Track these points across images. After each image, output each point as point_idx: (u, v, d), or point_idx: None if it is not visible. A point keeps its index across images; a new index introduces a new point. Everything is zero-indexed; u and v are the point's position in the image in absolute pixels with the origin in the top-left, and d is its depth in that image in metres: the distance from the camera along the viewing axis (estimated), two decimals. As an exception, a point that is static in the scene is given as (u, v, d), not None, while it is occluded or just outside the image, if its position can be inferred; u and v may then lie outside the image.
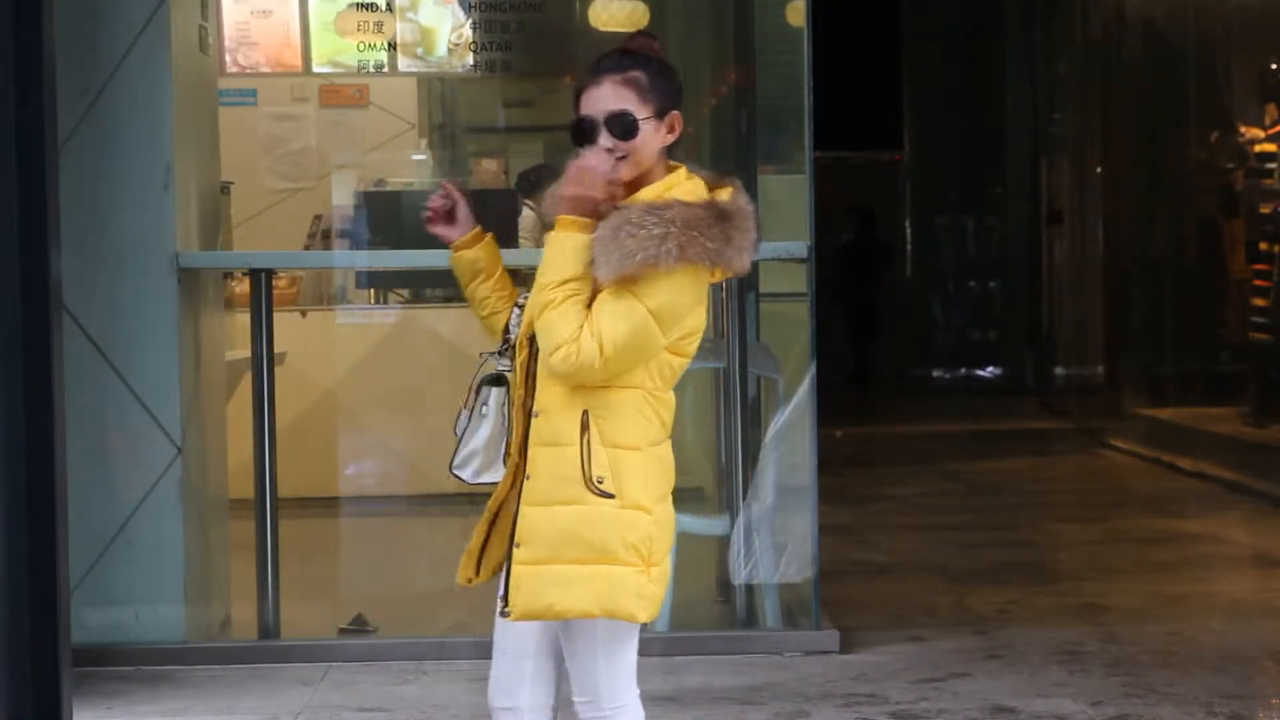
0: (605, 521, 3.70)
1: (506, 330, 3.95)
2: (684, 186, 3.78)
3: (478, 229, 4.02)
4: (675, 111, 3.80)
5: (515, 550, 3.73)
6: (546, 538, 3.70)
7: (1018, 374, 17.94)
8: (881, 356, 18.79)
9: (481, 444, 3.89)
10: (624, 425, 3.72)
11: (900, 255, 19.13)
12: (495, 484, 3.90)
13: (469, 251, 4.02)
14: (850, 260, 18.71)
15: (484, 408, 3.90)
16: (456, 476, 3.90)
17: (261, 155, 10.34)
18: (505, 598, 3.75)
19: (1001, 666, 6.71)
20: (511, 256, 4.64)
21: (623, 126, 3.75)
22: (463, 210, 4.02)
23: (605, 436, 3.71)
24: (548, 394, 3.72)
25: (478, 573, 3.92)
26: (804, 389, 7.00)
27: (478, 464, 3.90)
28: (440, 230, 4.02)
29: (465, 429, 3.91)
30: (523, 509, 3.73)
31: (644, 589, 3.73)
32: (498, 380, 3.91)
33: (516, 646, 3.96)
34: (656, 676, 6.44)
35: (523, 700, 3.96)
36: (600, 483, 3.69)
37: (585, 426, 3.70)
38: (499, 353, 3.94)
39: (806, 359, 7.03)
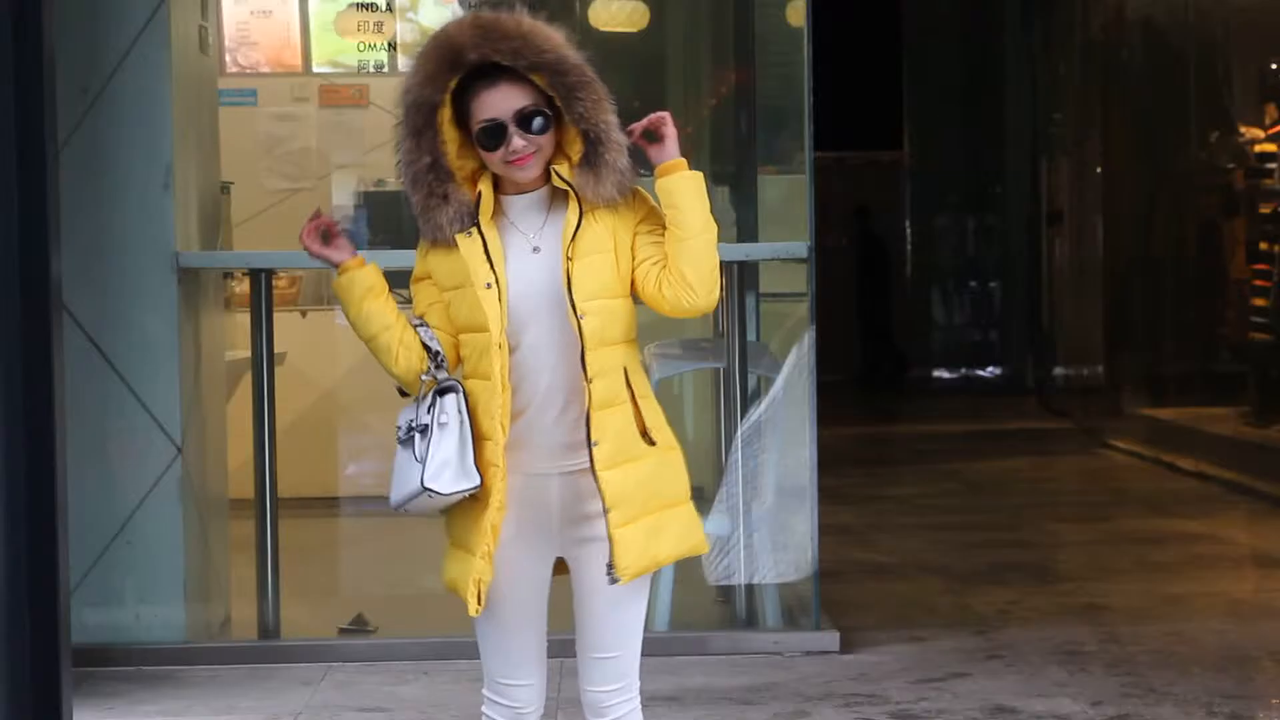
0: (668, 467, 3.93)
1: (425, 355, 3.95)
2: None
3: (360, 255, 4.00)
4: None
5: (609, 515, 3.84)
6: (632, 495, 3.87)
7: (1018, 374, 17.92)
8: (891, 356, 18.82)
9: (453, 453, 3.89)
10: (642, 375, 3.97)
11: (900, 255, 19.11)
12: (466, 491, 3.88)
13: (359, 271, 3.99)
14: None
15: (443, 416, 3.91)
16: (430, 491, 3.86)
17: (261, 155, 10.33)
18: (610, 565, 3.85)
19: (1001, 666, 6.71)
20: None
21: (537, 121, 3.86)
22: (341, 239, 4.00)
23: (638, 389, 3.92)
24: (602, 357, 3.86)
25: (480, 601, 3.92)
26: (802, 387, 7.00)
27: (450, 473, 3.89)
28: (322, 251, 3.97)
29: (430, 441, 3.88)
30: (601, 474, 3.85)
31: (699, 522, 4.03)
32: (446, 390, 3.92)
33: (521, 648, 4.00)
34: (657, 676, 6.43)
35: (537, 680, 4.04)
36: (648, 433, 3.91)
37: (628, 383, 3.90)
38: (435, 366, 3.95)
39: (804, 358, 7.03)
